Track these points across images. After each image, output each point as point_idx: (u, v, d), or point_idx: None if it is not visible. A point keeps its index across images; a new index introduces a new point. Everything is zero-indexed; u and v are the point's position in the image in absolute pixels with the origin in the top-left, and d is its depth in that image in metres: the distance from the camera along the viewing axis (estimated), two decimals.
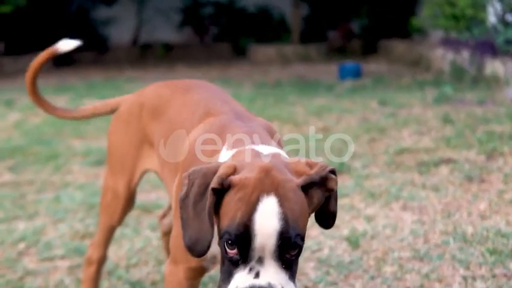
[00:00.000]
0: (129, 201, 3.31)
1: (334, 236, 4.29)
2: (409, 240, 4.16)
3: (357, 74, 11.99)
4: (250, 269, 2.05)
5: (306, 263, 3.90)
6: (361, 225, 4.45)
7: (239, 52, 17.31)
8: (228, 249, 2.08)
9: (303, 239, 2.10)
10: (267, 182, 2.08)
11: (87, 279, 3.46)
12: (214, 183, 2.11)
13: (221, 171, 2.13)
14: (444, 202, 4.80)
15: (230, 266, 2.09)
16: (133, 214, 4.85)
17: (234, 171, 2.13)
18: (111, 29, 17.48)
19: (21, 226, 4.76)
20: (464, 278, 3.60)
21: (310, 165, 2.19)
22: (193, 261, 2.44)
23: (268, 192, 2.06)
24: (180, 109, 2.89)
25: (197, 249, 2.15)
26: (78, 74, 14.43)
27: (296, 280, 2.13)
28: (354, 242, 4.15)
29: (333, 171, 2.20)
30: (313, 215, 2.28)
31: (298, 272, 2.21)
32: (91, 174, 6.08)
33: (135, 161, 3.18)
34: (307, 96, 9.94)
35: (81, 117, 3.58)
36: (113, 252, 4.14)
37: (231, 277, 2.08)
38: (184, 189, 2.17)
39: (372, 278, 3.70)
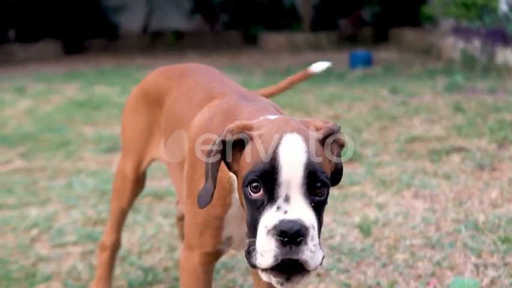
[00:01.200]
0: (137, 184, 3.32)
1: (345, 223, 4.30)
2: (420, 228, 4.16)
3: (367, 62, 11.98)
4: (278, 208, 1.97)
5: None
6: (372, 213, 4.45)
7: (249, 40, 17.30)
8: (252, 193, 2.03)
9: (328, 179, 2.05)
10: (288, 127, 2.07)
11: (101, 265, 3.47)
12: (222, 136, 2.11)
13: (231, 126, 2.12)
14: (456, 190, 4.80)
15: (256, 213, 2.02)
16: (145, 201, 4.87)
17: (251, 128, 2.12)
18: (122, 16, 17.49)
19: (33, 212, 4.77)
20: (476, 266, 3.60)
21: (324, 122, 2.19)
22: (209, 246, 2.42)
23: (291, 132, 2.04)
24: (177, 98, 2.87)
25: (202, 200, 2.16)
26: (89, 61, 14.45)
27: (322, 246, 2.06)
28: (365, 229, 4.15)
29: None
30: None
31: None
32: (103, 161, 6.10)
33: (144, 146, 3.18)
34: (318, 84, 9.92)
35: None
36: (125, 239, 4.15)
37: (258, 223, 2.01)
38: (208, 152, 2.17)
39: (384, 265, 3.70)
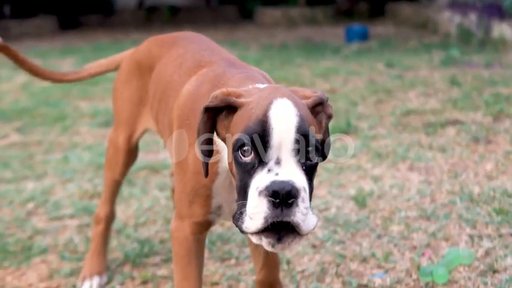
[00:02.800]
0: (130, 155, 3.30)
1: (341, 195, 4.31)
2: (415, 200, 4.17)
3: (363, 36, 11.97)
4: (269, 170, 1.94)
5: None
6: (368, 185, 4.46)
7: (246, 15, 17.26)
8: (243, 157, 1.99)
9: (319, 144, 2.02)
10: (279, 93, 2.04)
11: (96, 237, 3.47)
12: (208, 102, 2.10)
13: (216, 92, 2.11)
14: (451, 163, 4.81)
15: (246, 176, 1.99)
16: (141, 174, 4.88)
17: (240, 95, 2.10)
18: None
19: (29, 186, 4.78)
20: (471, 237, 3.61)
21: (313, 92, 2.18)
22: (199, 216, 2.42)
23: (281, 97, 2.01)
24: (166, 64, 2.85)
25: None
26: (85, 36, 14.42)
27: (314, 212, 2.03)
28: (361, 201, 4.16)
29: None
30: None
31: None
32: (98, 135, 6.10)
33: (136, 117, 3.17)
34: (314, 58, 9.92)
35: (87, 77, 3.59)
36: (121, 212, 4.17)
37: (248, 187, 1.98)
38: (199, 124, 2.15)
39: (379, 236, 3.71)
